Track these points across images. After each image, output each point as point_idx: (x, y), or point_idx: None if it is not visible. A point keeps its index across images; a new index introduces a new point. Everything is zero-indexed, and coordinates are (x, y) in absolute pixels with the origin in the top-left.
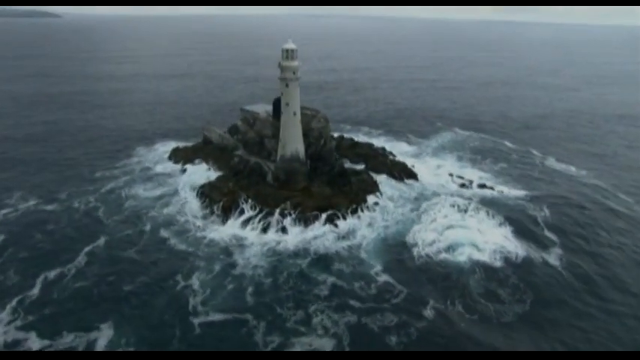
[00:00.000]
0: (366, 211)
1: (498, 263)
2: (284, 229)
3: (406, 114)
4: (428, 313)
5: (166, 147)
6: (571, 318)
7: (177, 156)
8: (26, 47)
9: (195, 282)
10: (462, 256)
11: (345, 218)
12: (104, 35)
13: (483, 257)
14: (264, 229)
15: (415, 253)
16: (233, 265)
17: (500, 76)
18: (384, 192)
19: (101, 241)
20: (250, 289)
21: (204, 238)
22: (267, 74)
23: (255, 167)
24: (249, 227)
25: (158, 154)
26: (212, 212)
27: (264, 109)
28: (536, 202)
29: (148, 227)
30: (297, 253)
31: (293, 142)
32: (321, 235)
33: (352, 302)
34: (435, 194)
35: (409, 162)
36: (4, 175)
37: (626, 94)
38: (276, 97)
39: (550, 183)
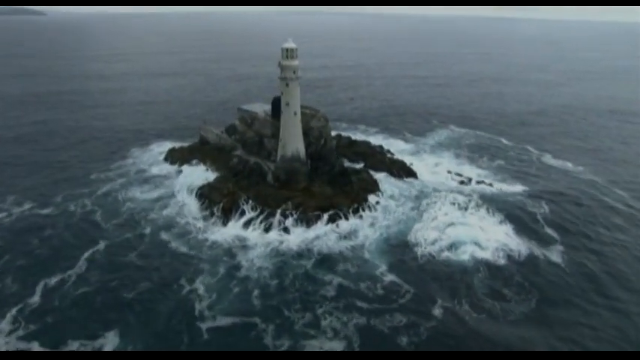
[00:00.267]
0: (367, 211)
1: (502, 261)
2: (286, 230)
3: (401, 111)
4: (436, 312)
5: (161, 147)
6: (579, 316)
7: (173, 157)
8: (11, 46)
9: (200, 286)
10: (464, 255)
11: (347, 218)
12: (91, 33)
13: (486, 255)
14: (267, 230)
15: (418, 253)
16: (237, 267)
17: (490, 72)
18: (384, 190)
19: (101, 245)
20: (256, 292)
21: (206, 240)
22: (251, 72)
23: (255, 167)
24: (250, 228)
25: (153, 155)
26: (212, 214)
27: (262, 108)
28: (535, 199)
29: (147, 230)
30: (300, 254)
31: (293, 142)
32: (323, 235)
33: (360, 303)
34: (435, 192)
35: (407, 160)
36: None
37: (616, 89)
38: (275, 96)
39: (548, 179)
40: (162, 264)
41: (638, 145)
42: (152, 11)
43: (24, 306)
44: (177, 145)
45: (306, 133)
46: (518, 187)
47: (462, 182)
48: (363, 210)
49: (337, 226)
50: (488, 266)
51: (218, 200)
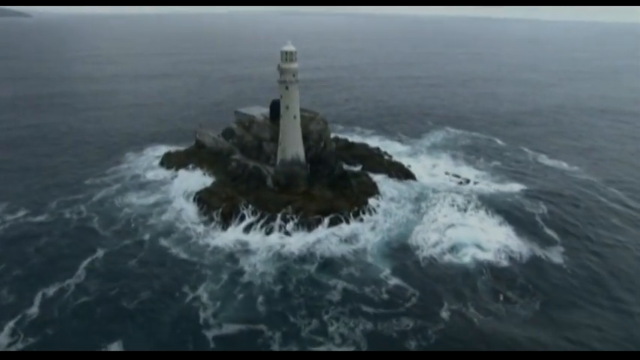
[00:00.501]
0: (368, 214)
1: (504, 263)
2: (287, 234)
3: (396, 112)
4: (443, 315)
5: (156, 151)
6: (584, 317)
7: (169, 161)
8: None
9: (203, 293)
10: (466, 257)
11: (347, 222)
12: (79, 35)
13: (488, 257)
14: (268, 233)
15: (420, 255)
16: (240, 273)
17: (483, 72)
18: (383, 193)
19: (99, 253)
20: (261, 298)
21: (207, 245)
22: (244, 74)
23: (254, 171)
24: (251, 232)
25: (148, 159)
26: (211, 219)
27: (259, 111)
28: (533, 199)
29: (146, 237)
30: (303, 258)
31: (293, 146)
32: (324, 238)
33: (366, 308)
34: (434, 194)
35: (405, 162)
36: None
37: (608, 89)
38: (274, 99)
39: (545, 180)
40: (163, 271)
41: (632, 144)
42: (131, 12)
43: (22, 317)
44: (172, 148)
45: (305, 137)
46: (516, 188)
47: (460, 184)
48: (364, 213)
49: (339, 229)
50: (491, 268)
51: (217, 205)
